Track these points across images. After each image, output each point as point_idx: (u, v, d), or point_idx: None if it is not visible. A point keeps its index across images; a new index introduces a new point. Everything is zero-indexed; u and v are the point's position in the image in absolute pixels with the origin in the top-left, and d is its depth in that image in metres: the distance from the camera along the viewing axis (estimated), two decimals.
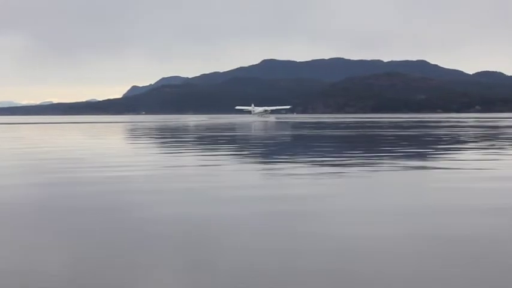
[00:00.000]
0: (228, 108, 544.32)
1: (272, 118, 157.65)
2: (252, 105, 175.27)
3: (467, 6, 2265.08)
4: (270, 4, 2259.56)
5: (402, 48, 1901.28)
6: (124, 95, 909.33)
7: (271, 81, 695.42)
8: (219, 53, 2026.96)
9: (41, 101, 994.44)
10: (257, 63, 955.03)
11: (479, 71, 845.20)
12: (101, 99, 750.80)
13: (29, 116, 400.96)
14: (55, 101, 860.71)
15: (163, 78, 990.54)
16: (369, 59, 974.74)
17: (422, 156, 30.15)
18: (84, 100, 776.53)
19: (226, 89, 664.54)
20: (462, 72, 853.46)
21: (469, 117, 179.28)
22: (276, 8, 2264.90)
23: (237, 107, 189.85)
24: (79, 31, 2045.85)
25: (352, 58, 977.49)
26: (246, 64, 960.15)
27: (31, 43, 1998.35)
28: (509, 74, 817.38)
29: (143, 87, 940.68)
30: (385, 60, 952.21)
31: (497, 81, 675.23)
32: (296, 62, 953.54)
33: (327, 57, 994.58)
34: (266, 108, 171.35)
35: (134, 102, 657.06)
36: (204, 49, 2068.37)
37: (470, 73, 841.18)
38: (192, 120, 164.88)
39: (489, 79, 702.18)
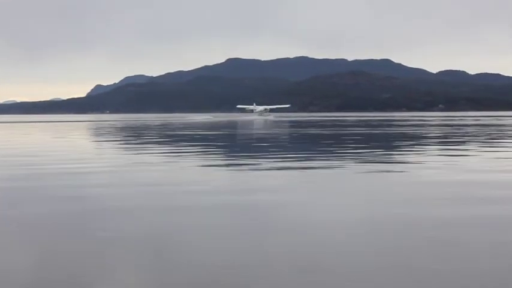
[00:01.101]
0: (193, 107, 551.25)
1: (271, 117, 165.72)
2: (254, 104, 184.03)
3: (430, 5, 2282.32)
4: (234, 3, 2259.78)
5: (366, 47, 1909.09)
6: (88, 93, 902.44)
7: (236, 80, 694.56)
8: (184, 52, 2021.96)
9: (3, 100, 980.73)
10: (222, 62, 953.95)
11: (443, 70, 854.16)
12: (65, 98, 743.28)
13: None
14: (18, 99, 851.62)
15: (127, 77, 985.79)
16: (333, 58, 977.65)
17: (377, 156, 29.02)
18: (48, 99, 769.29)
19: (191, 88, 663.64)
20: (426, 71, 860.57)
21: (434, 116, 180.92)
22: (240, 7, 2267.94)
23: (238, 106, 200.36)
24: (41, 29, 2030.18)
25: (316, 57, 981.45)
26: (210, 63, 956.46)
27: None
28: (472, 73, 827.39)
29: (107, 86, 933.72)
30: (350, 59, 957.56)
31: (461, 80, 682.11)
32: (261, 60, 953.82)
33: (291, 56, 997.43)
34: (266, 107, 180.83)
35: (98, 101, 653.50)
36: (169, 48, 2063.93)
37: (434, 72, 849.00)
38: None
39: (452, 78, 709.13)
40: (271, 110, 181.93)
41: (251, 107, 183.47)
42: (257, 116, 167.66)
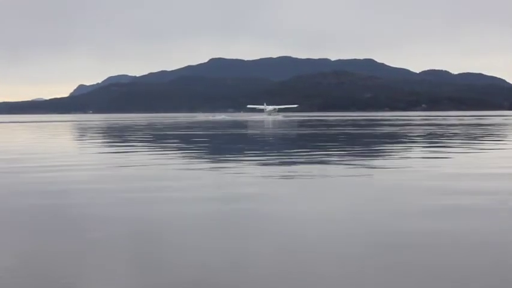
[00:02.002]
0: (176, 107, 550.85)
1: (280, 116, 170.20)
2: (265, 104, 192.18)
3: (413, 5, 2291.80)
4: (218, 3, 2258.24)
5: (349, 47, 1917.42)
6: (71, 94, 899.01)
7: (220, 80, 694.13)
8: (167, 52, 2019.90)
9: None
10: (205, 61, 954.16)
11: (426, 69, 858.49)
12: (47, 98, 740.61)
13: None
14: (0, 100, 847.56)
15: (110, 77, 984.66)
16: (316, 57, 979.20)
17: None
18: (30, 99, 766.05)
19: (174, 87, 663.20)
20: (409, 70, 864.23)
21: (416, 116, 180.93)
22: (224, 7, 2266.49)
23: (249, 106, 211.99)
24: (24, 29, 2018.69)
25: (299, 57, 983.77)
26: (194, 63, 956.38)
27: None
28: (454, 73, 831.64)
29: (90, 86, 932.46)
30: (333, 59, 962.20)
31: (443, 80, 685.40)
32: (244, 60, 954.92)
33: (274, 56, 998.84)
34: (275, 107, 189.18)
35: (81, 101, 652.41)
36: (152, 48, 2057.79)
37: (417, 72, 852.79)
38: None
39: (435, 78, 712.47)
40: (279, 110, 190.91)
41: (261, 106, 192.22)
42: (266, 116, 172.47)
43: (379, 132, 56.66)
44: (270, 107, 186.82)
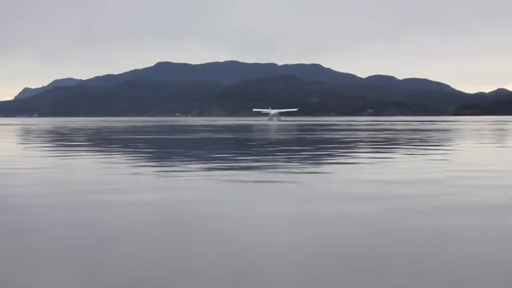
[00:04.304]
0: (123, 111, 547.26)
1: (280, 120, 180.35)
2: (269, 107, 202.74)
3: (359, 10, 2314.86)
4: (163, 6, 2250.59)
5: (296, 52, 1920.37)
6: (16, 97, 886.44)
7: (166, 83, 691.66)
8: (113, 56, 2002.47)
9: None
10: (152, 65, 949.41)
11: (372, 74, 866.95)
12: None
13: None
14: None
15: (56, 80, 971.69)
16: (263, 62, 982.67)
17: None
18: None
19: (120, 91, 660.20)
20: (355, 76, 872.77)
21: (363, 121, 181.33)
22: (169, 11, 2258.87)
23: (254, 109, 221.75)
24: None
25: (246, 61, 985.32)
26: (140, 67, 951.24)
27: None
28: (400, 78, 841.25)
29: (36, 89, 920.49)
30: (279, 63, 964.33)
31: (389, 85, 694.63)
32: (191, 64, 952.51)
33: (222, 60, 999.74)
34: (278, 110, 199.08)
35: (27, 104, 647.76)
36: (98, 51, 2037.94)
37: (363, 77, 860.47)
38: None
39: (381, 83, 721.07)
40: (280, 114, 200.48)
41: (266, 110, 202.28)
42: (268, 119, 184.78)
43: (311, 138, 55.27)
44: (274, 111, 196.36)
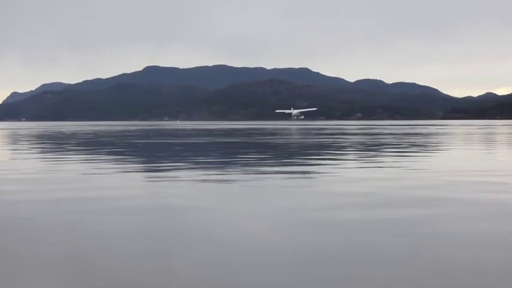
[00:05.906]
0: (111, 115, 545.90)
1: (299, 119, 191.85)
2: (292, 108, 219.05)
3: (347, 15, 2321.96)
4: (153, 11, 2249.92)
5: (285, 56, 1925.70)
6: (4, 101, 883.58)
7: (155, 87, 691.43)
8: (102, 60, 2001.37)
9: None
10: (140, 69, 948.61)
11: (360, 79, 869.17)
12: None
13: None
14: None
15: (44, 84, 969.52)
16: (252, 66, 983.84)
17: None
18: None
19: (109, 95, 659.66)
20: (344, 80, 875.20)
21: (352, 125, 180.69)
22: (158, 15, 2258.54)
23: (277, 111, 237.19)
24: None
25: (235, 65, 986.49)
26: (129, 71, 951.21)
27: None
28: (389, 82, 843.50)
29: (24, 93, 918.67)
30: (268, 67, 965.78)
31: (378, 89, 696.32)
32: (180, 68, 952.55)
33: (210, 64, 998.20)
34: (299, 110, 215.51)
35: (15, 108, 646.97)
36: (86, 56, 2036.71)
37: (352, 81, 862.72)
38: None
39: (370, 87, 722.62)
40: (301, 113, 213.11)
41: (288, 111, 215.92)
42: (292, 119, 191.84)
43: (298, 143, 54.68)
44: (296, 111, 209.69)
